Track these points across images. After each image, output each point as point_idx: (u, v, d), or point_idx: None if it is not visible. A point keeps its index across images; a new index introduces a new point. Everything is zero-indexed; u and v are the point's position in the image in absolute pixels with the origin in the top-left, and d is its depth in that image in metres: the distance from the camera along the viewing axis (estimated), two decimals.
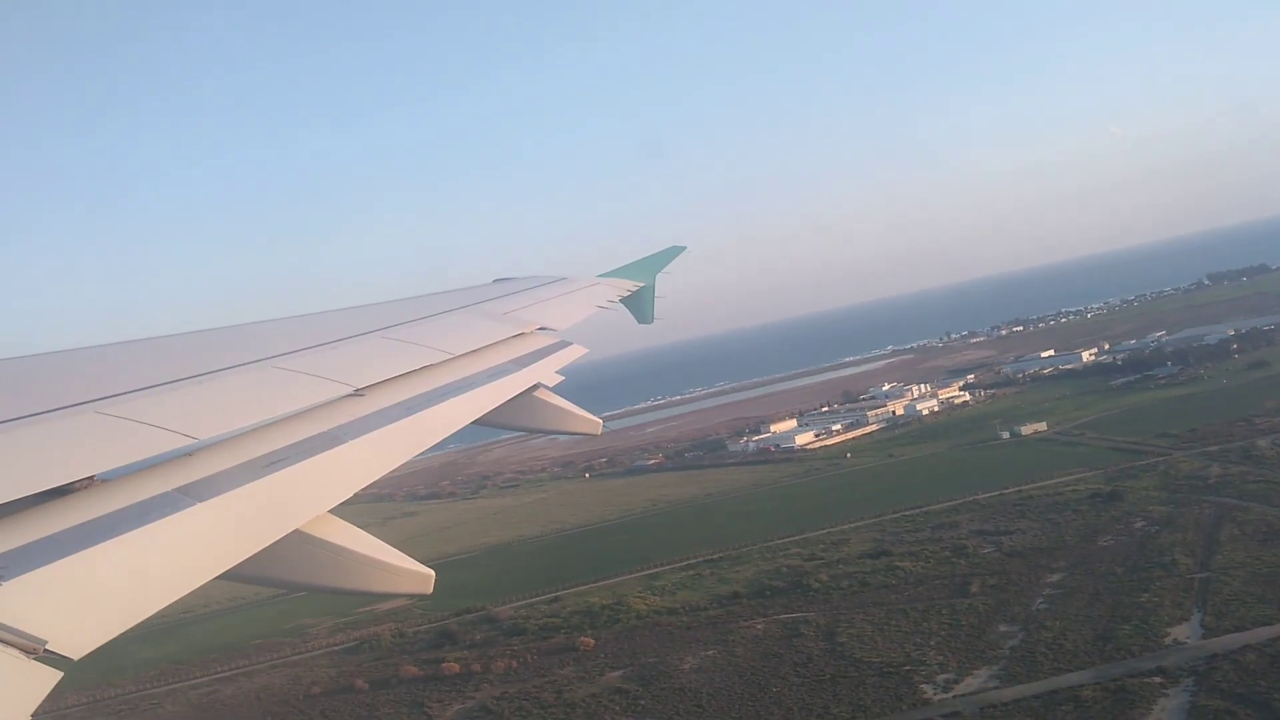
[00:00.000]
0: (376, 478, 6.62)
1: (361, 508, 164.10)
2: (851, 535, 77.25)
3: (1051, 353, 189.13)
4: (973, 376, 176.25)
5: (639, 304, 19.56)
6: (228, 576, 5.32)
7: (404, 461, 6.97)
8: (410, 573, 6.35)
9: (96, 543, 4.63)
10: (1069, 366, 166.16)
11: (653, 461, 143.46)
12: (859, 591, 63.27)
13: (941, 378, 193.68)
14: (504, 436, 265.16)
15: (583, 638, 63.86)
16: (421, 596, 7.33)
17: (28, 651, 3.95)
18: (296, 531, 5.80)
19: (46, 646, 3.99)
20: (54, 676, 3.94)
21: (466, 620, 74.89)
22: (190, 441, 5.84)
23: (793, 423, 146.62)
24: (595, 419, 10.44)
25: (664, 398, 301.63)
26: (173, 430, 5.89)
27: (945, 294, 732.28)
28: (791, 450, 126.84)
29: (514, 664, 61.86)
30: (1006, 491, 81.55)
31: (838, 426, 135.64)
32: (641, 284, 19.72)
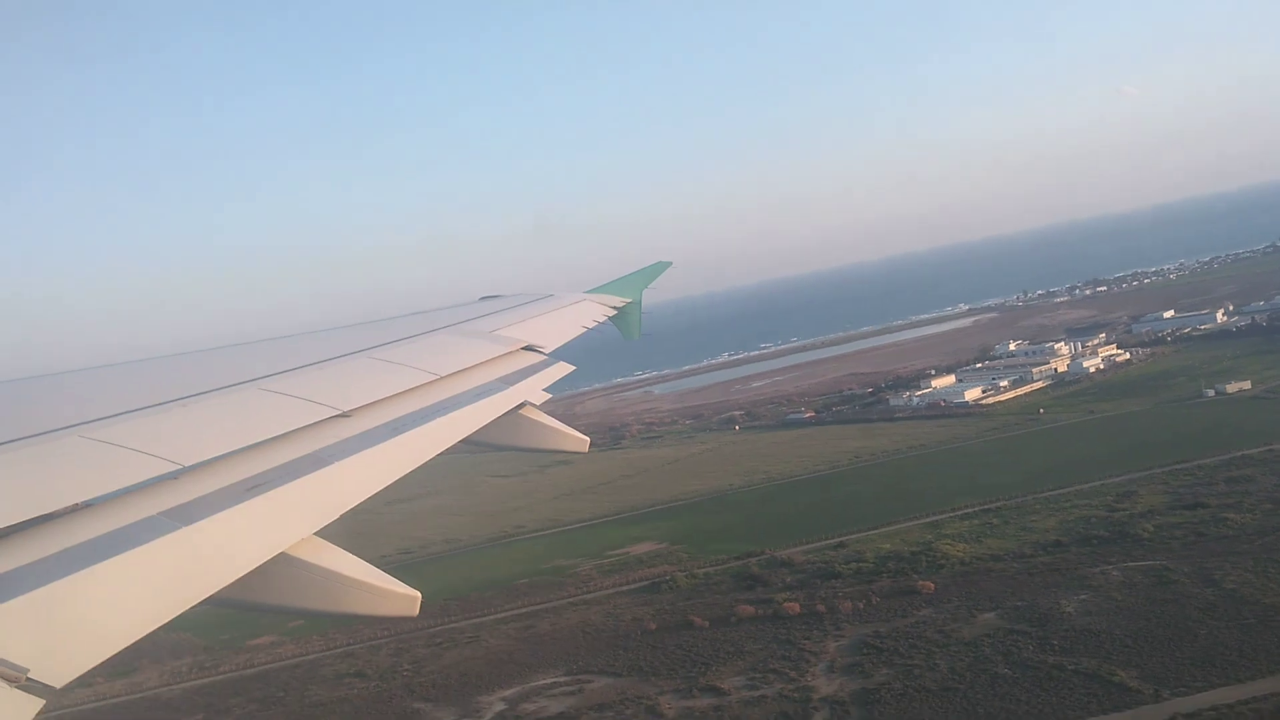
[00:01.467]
0: (362, 499, 6.66)
1: (508, 456, 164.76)
2: (1133, 488, 78.82)
3: (1172, 313, 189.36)
4: (1103, 335, 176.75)
5: (626, 321, 19.69)
6: (214, 601, 5.33)
7: (391, 482, 7.07)
8: (396, 595, 6.34)
9: (80, 569, 4.59)
10: (1205, 327, 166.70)
11: (808, 415, 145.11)
12: (1196, 541, 64.88)
13: (1055, 335, 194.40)
14: (584, 388, 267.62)
15: (921, 581, 65.85)
16: (406, 618, 7.04)
17: (10, 680, 3.91)
18: (282, 555, 5.78)
19: (29, 675, 3.96)
20: (35, 705, 3.94)
21: (755, 564, 77.00)
22: (175, 466, 5.85)
23: (951, 378, 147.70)
24: (583, 436, 10.61)
25: (740, 353, 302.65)
26: (158, 455, 5.92)
27: (950, 255, 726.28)
28: (965, 406, 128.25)
29: (860, 605, 63.90)
30: (1276, 447, 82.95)
31: (1004, 383, 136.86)
32: (628, 300, 19.84)
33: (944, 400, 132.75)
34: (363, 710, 62.82)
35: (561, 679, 61.75)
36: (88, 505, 5.28)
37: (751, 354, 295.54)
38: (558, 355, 12.06)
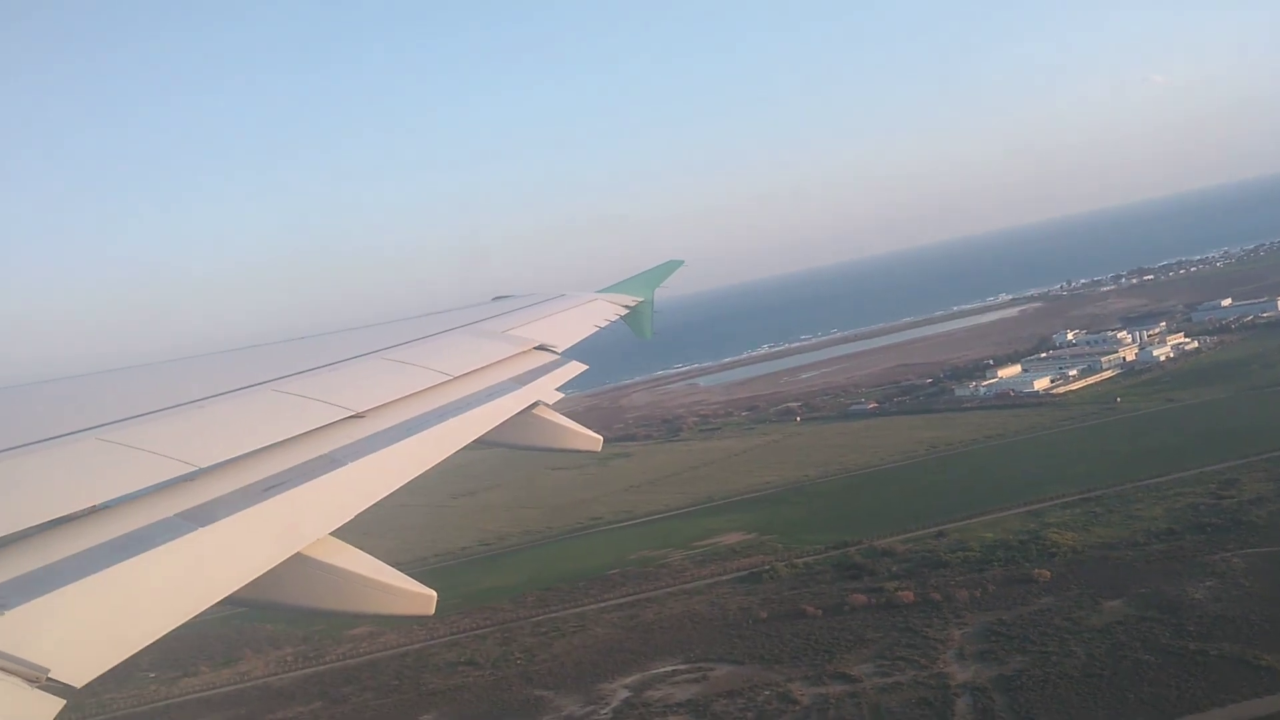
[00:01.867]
0: (377, 500, 6.70)
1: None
2: (1234, 476, 78.32)
3: (1230, 301, 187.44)
4: (1163, 323, 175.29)
5: (638, 320, 19.64)
6: (231, 601, 5.40)
7: (405, 483, 7.13)
8: (412, 594, 6.39)
9: (98, 570, 4.66)
10: (1268, 315, 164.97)
11: (871, 405, 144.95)
12: None
13: (1110, 324, 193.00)
14: (625, 381, 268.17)
15: (1036, 569, 65.90)
16: (423, 617, 7.15)
17: (30, 680, 4.00)
18: (298, 555, 5.85)
19: (49, 675, 4.04)
20: (56, 705, 4.01)
21: (856, 554, 77.26)
22: (191, 468, 5.91)
23: (1016, 368, 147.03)
24: (596, 435, 10.65)
25: (779, 345, 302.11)
26: (174, 457, 5.97)
27: (976, 245, 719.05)
28: (1035, 396, 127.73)
29: (976, 593, 64.03)
30: None
31: (1073, 372, 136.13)
32: (640, 299, 19.85)
33: (1012, 390, 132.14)
34: (482, 697, 63.69)
35: (680, 667, 62.30)
36: (105, 507, 5.32)
37: (792, 345, 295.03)
38: (570, 354, 12.14)
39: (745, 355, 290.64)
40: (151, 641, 4.72)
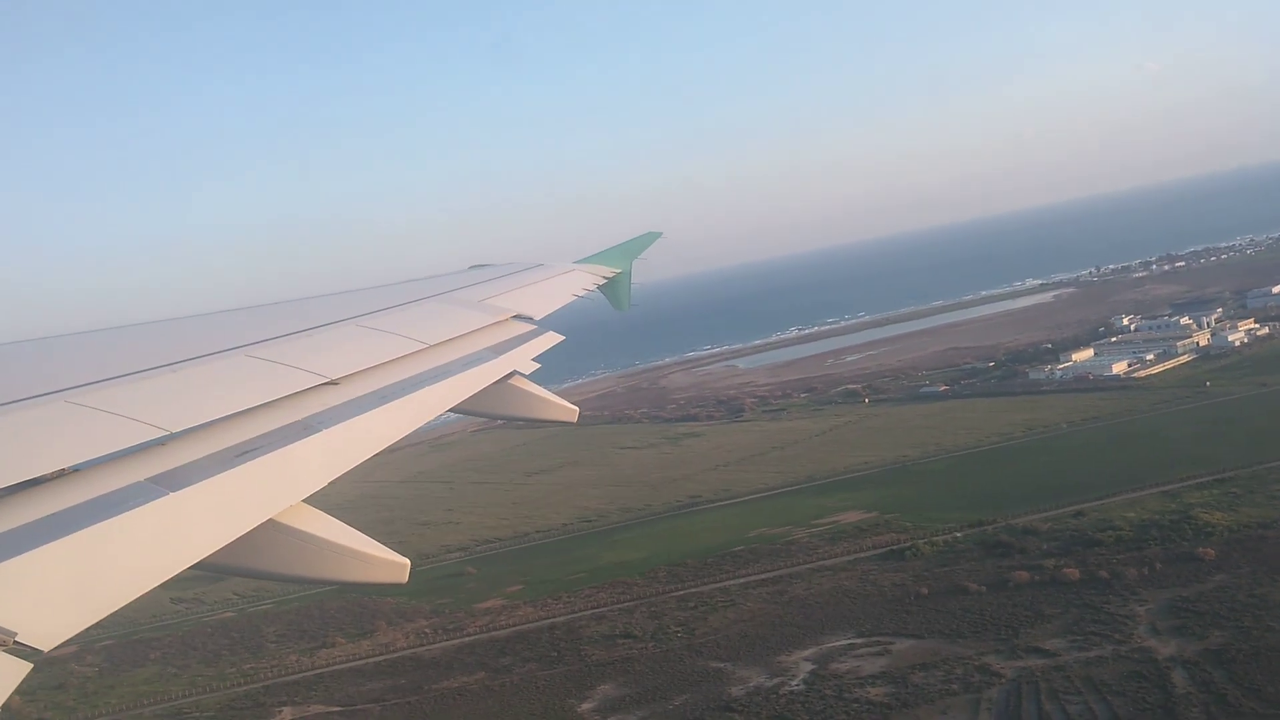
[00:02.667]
0: (350, 467, 6.70)
1: (633, 428, 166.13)
2: None
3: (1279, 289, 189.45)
4: (1219, 309, 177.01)
5: (615, 291, 19.85)
6: (201, 567, 5.41)
7: (379, 451, 7.12)
8: (385, 562, 6.42)
9: (67, 534, 4.61)
10: None
11: (942, 388, 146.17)
12: None
13: (1157, 310, 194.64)
14: (656, 362, 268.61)
15: (1198, 548, 67.24)
16: (396, 586, 6.99)
17: None
18: (270, 521, 5.84)
19: (16, 639, 4.03)
20: (23, 669, 3.99)
21: (993, 532, 78.49)
22: (163, 432, 5.83)
23: (1089, 352, 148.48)
24: (572, 406, 10.72)
25: (808, 327, 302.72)
26: (146, 421, 5.89)
27: (975, 230, 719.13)
28: (1116, 379, 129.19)
29: (1144, 571, 65.34)
30: None
31: (1150, 356, 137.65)
32: (618, 270, 19.93)
33: (1090, 374, 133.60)
34: (655, 669, 64.61)
35: (856, 640, 63.37)
36: (75, 470, 5.26)
37: (822, 328, 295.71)
38: (547, 324, 12.25)
39: (776, 337, 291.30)
40: (120, 606, 4.65)
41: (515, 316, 11.89)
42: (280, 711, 68.45)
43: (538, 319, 12.29)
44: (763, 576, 78.19)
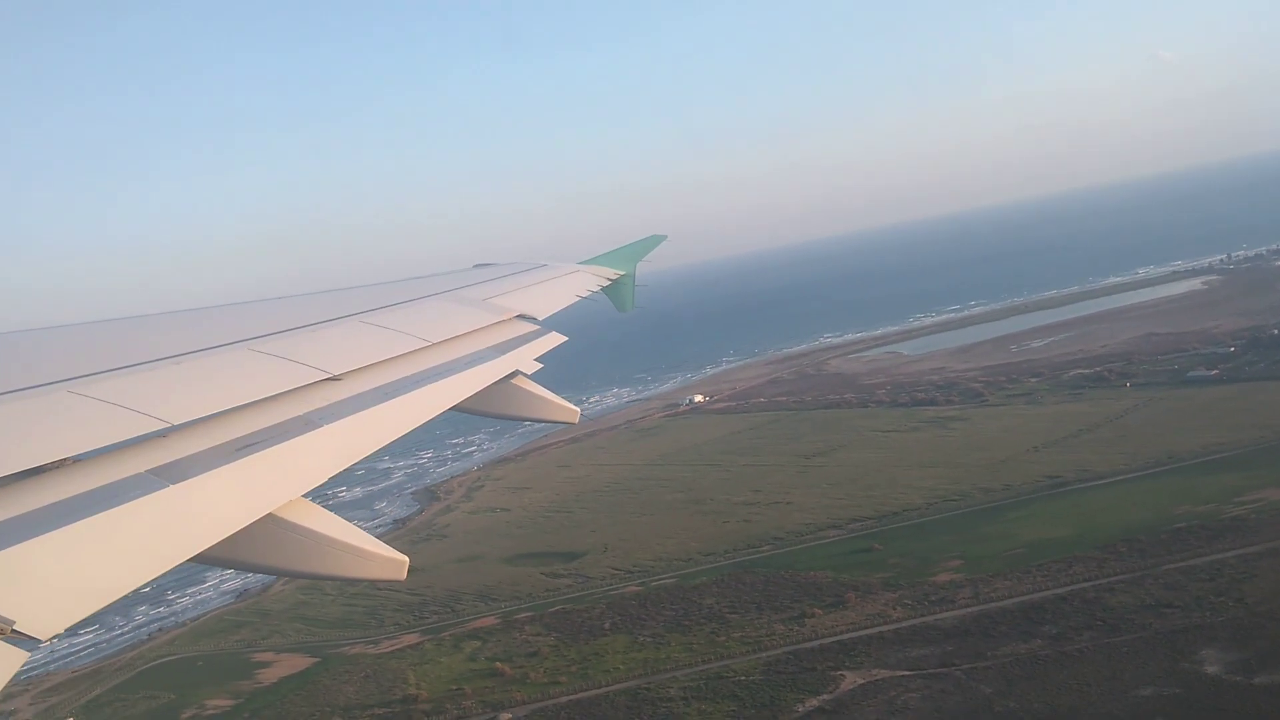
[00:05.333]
0: (351, 463, 6.89)
1: (862, 412, 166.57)
2: None
3: None
4: None
5: (619, 292, 20.45)
6: (200, 559, 5.55)
7: (379, 448, 7.29)
8: (383, 558, 6.59)
9: (68, 523, 4.73)
10: None
11: (1213, 372, 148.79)
12: None
13: None
14: (782, 350, 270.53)
15: None
16: (394, 582, 7.27)
17: None
18: (270, 516, 6.01)
19: (14, 627, 4.14)
20: (20, 657, 4.09)
21: None
22: (164, 424, 5.98)
23: None
24: (573, 407, 11.02)
25: (931, 314, 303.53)
26: (147, 413, 6.03)
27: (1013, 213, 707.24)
28: None
29: None
30: None
31: None
32: (622, 272, 20.62)
33: None
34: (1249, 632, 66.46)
35: None
36: (75, 460, 5.40)
37: (947, 317, 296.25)
38: (550, 324, 12.60)
39: (909, 325, 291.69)
40: (118, 597, 4.77)
41: (518, 316, 12.14)
42: (840, 674, 71.35)
43: (541, 319, 12.58)
44: (1254, 550, 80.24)
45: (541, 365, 11.00)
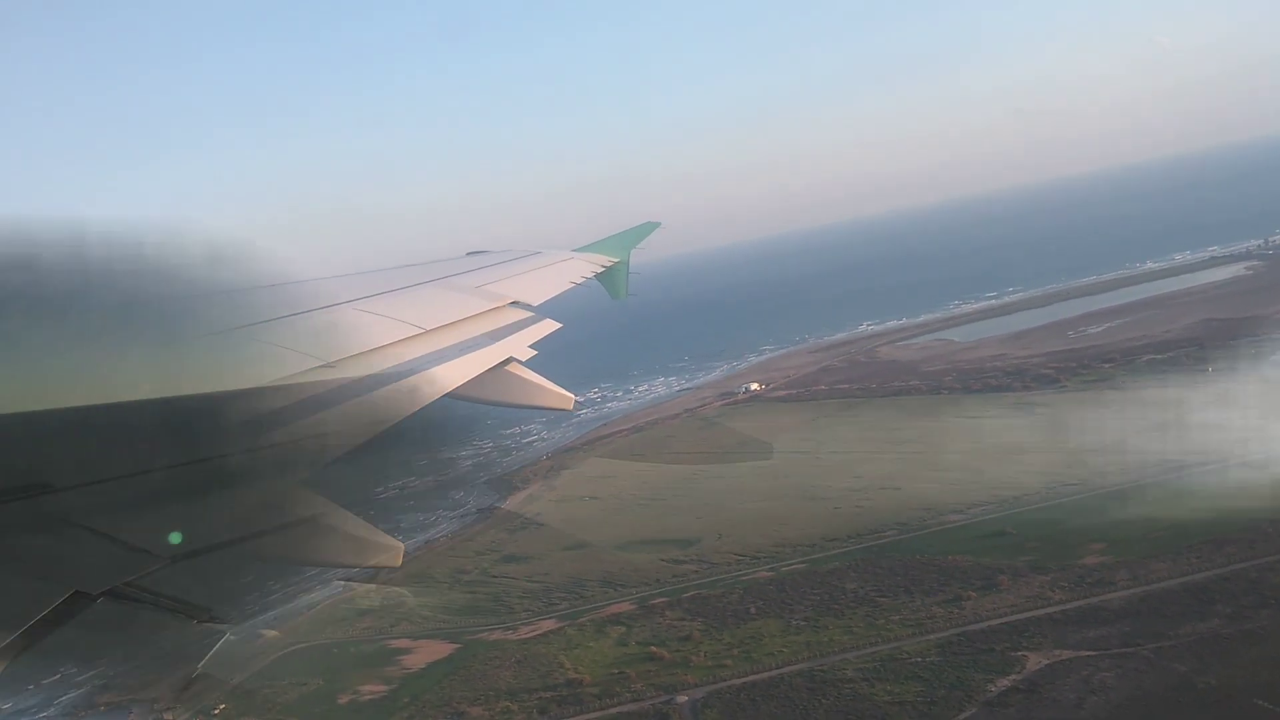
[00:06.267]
0: (344, 451, 6.95)
1: (934, 400, 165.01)
2: None
3: None
4: None
5: (613, 280, 20.82)
6: None
7: (374, 435, 7.36)
8: (380, 545, 6.70)
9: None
10: None
11: None
12: None
13: None
14: (824, 338, 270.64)
15: None
16: (390, 569, 7.35)
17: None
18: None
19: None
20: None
21: None
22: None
23: None
24: (568, 394, 11.14)
25: (971, 301, 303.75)
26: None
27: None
28: None
29: None
30: None
31: None
32: (616, 260, 20.97)
33: None
34: None
35: None
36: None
37: (987, 304, 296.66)
38: (544, 311, 12.75)
39: (950, 312, 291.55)
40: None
41: (512, 303, 12.25)
42: (1022, 655, 72.17)
43: (535, 306, 12.74)
44: None
45: (535, 352, 11.09)
